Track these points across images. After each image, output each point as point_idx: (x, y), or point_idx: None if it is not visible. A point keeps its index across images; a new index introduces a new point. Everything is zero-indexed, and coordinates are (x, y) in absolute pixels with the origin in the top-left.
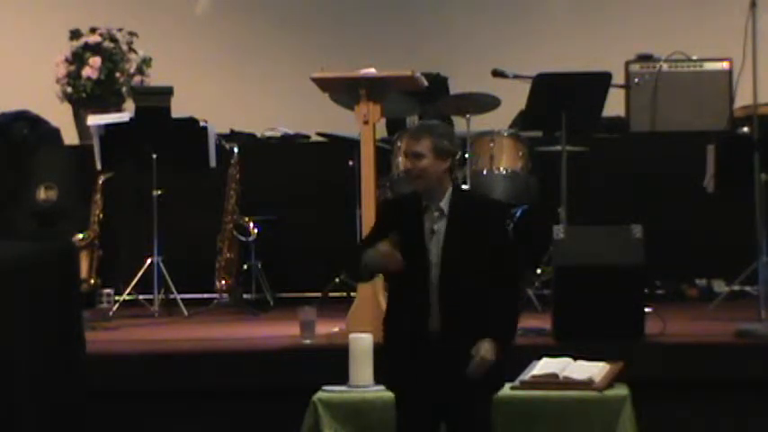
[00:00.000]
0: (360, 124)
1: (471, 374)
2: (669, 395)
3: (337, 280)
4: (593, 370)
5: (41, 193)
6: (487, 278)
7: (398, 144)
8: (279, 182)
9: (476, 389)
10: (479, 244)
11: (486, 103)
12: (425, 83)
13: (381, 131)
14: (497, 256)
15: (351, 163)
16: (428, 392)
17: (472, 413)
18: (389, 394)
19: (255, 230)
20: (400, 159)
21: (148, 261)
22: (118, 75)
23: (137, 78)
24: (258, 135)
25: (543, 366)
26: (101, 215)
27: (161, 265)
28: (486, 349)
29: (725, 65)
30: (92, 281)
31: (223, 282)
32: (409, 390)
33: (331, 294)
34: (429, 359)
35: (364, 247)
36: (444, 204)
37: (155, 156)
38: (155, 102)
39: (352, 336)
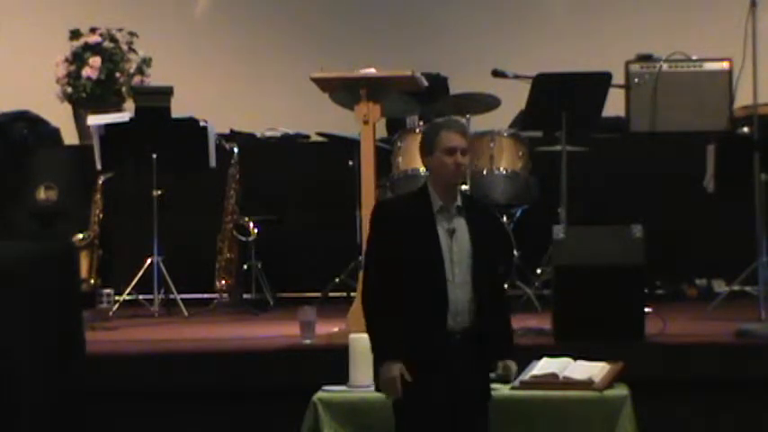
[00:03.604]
0: (360, 124)
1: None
2: (669, 395)
3: (337, 280)
4: (593, 370)
5: (41, 193)
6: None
7: (399, 144)
8: (279, 182)
9: (485, 390)
10: (492, 243)
11: (486, 103)
12: (425, 83)
13: (381, 131)
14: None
15: (351, 163)
16: (445, 391)
17: (481, 413)
18: None
19: (255, 230)
20: (400, 159)
21: (148, 261)
22: (118, 75)
23: (137, 78)
24: (258, 135)
25: (543, 366)
26: (101, 215)
27: (161, 265)
28: (515, 366)
29: (725, 65)
30: (92, 281)
31: (223, 282)
32: (426, 390)
33: (331, 294)
34: (450, 358)
35: (376, 265)
36: (460, 203)
37: (155, 156)
38: (155, 102)
39: (352, 336)
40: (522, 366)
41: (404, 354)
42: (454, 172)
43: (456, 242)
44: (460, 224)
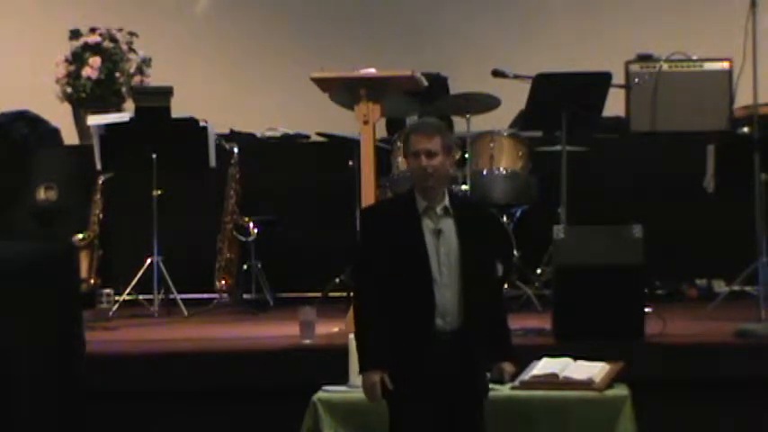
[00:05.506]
0: (360, 124)
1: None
2: (669, 395)
3: (337, 280)
4: (593, 370)
5: (41, 193)
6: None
7: (398, 144)
8: (279, 182)
9: (478, 390)
10: (484, 243)
11: (486, 103)
12: (425, 83)
13: (381, 131)
14: (495, 260)
15: (351, 163)
16: (434, 392)
17: (474, 413)
18: None
19: (255, 230)
20: (400, 159)
21: (148, 261)
22: (118, 75)
23: (137, 78)
24: (258, 135)
25: (543, 366)
26: (101, 215)
27: (161, 265)
28: (511, 367)
29: (725, 65)
30: (92, 281)
31: (223, 282)
32: (414, 391)
33: (331, 294)
34: (438, 359)
35: (365, 271)
36: (447, 203)
37: (155, 156)
38: (155, 102)
39: (351, 336)
40: (522, 366)
41: (391, 355)
42: (422, 175)
43: (443, 243)
44: (448, 224)
